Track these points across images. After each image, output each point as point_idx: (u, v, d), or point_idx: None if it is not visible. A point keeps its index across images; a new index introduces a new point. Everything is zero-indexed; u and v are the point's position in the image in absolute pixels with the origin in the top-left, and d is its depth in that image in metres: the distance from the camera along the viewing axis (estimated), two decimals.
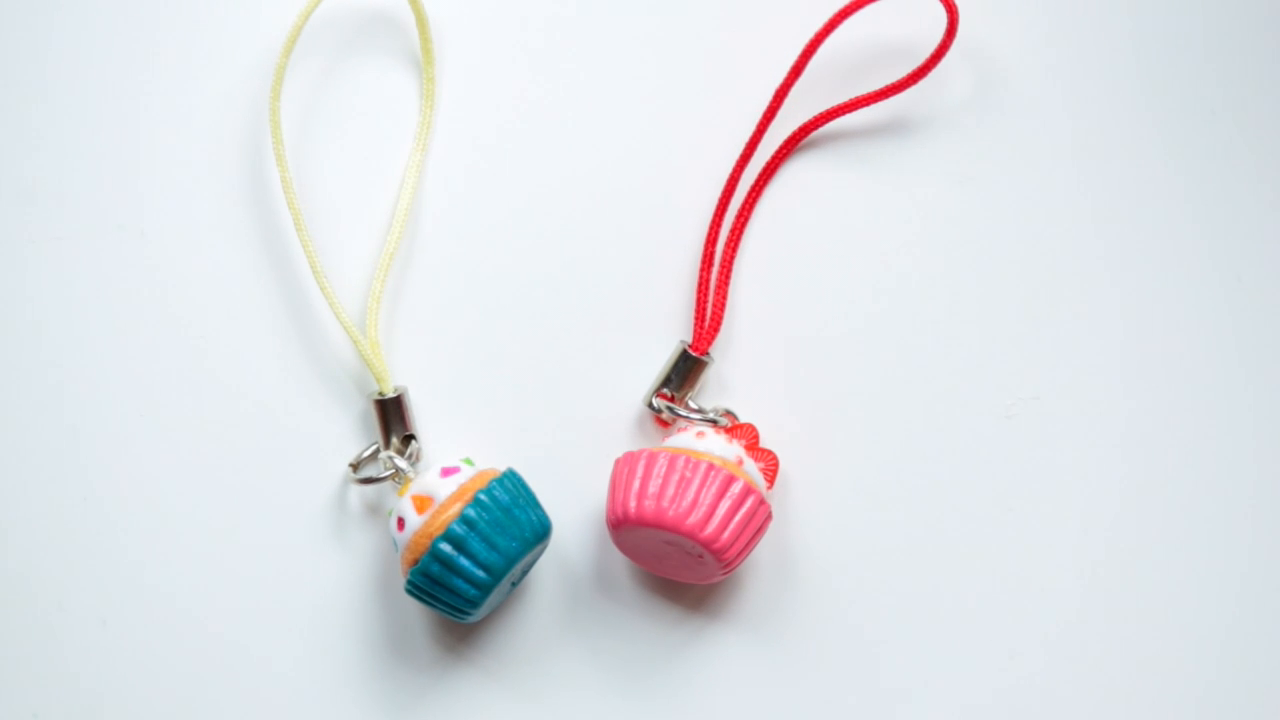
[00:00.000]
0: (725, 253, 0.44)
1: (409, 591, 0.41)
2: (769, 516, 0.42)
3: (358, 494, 0.44)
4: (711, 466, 0.41)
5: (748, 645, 0.43)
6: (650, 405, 0.43)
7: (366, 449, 0.43)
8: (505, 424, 0.44)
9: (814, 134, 0.44)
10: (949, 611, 0.43)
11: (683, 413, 0.43)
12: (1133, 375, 0.44)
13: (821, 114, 0.44)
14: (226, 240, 0.44)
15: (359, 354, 0.43)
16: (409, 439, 0.43)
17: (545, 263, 0.44)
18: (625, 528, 0.41)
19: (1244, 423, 0.44)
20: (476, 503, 0.40)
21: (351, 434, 0.44)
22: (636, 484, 0.41)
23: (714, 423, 0.43)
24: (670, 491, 0.40)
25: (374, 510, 0.44)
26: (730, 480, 0.41)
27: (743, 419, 0.43)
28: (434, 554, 0.40)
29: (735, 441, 0.42)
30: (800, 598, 0.43)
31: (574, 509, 0.44)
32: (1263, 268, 0.44)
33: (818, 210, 0.44)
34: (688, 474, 0.41)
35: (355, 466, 0.43)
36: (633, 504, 0.41)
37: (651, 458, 0.41)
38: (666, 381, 0.43)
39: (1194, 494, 0.43)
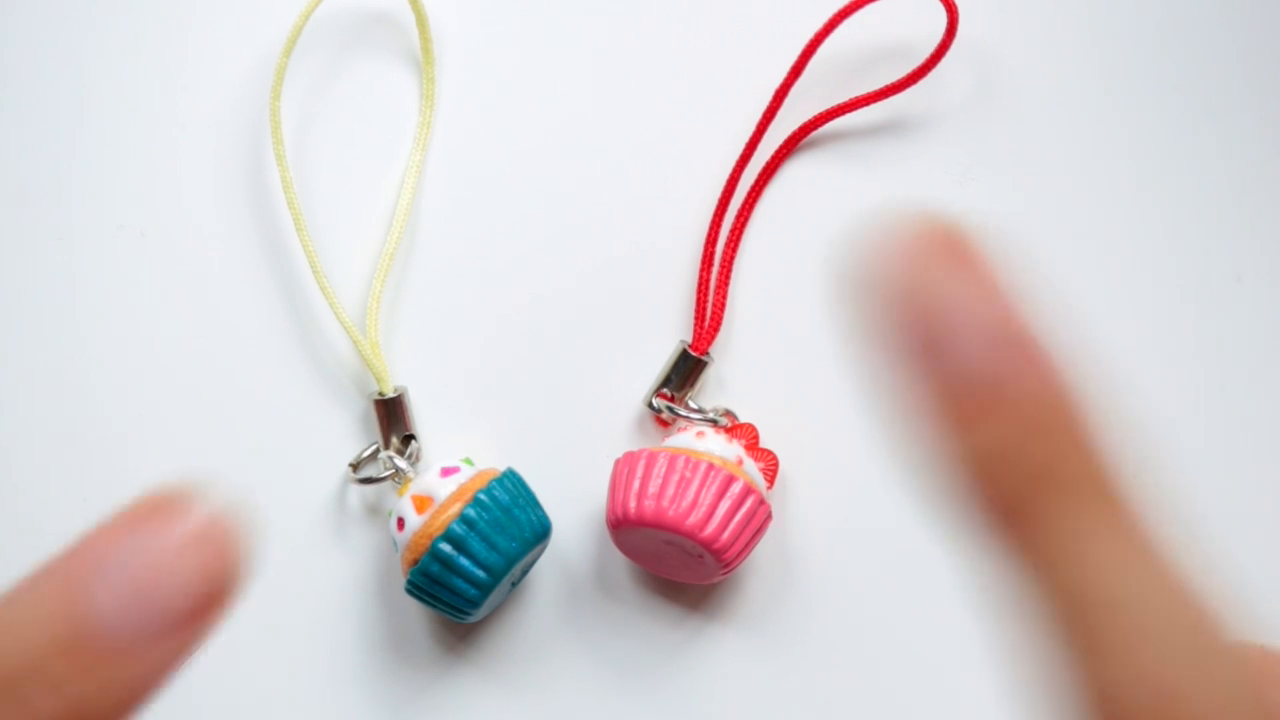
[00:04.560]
0: (725, 252, 0.44)
1: (409, 591, 0.41)
2: (769, 516, 0.42)
3: (358, 494, 0.44)
4: (711, 466, 0.41)
5: (747, 645, 0.43)
6: (650, 405, 0.43)
7: (366, 449, 0.43)
8: (505, 424, 0.44)
9: (814, 134, 0.44)
10: (948, 611, 0.43)
11: (682, 412, 0.43)
12: (1132, 377, 0.44)
13: (821, 114, 0.44)
14: (227, 240, 0.44)
15: (359, 354, 0.43)
16: (409, 439, 0.43)
17: (545, 262, 0.44)
18: (625, 527, 0.41)
19: (1244, 424, 0.44)
20: (476, 503, 0.40)
21: (351, 434, 0.44)
22: (636, 484, 0.41)
23: (714, 423, 0.43)
24: (670, 491, 0.40)
25: (374, 510, 0.44)
26: (730, 480, 0.41)
27: (742, 419, 0.43)
28: (434, 554, 0.40)
29: (735, 441, 0.42)
30: (800, 597, 0.43)
31: (574, 509, 0.44)
32: (1263, 268, 0.44)
33: (818, 210, 0.44)
34: (687, 474, 0.41)
35: (355, 466, 0.43)
36: (632, 504, 0.41)
37: (651, 458, 0.41)
38: (666, 381, 0.43)
39: (1193, 497, 0.43)
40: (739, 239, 0.44)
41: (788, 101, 0.44)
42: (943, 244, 0.39)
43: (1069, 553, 0.35)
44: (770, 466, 0.43)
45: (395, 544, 0.42)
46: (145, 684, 0.38)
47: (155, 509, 0.39)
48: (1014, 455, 0.36)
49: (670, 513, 0.40)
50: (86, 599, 0.37)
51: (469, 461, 0.42)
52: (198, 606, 0.38)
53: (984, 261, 0.39)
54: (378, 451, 0.43)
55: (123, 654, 0.37)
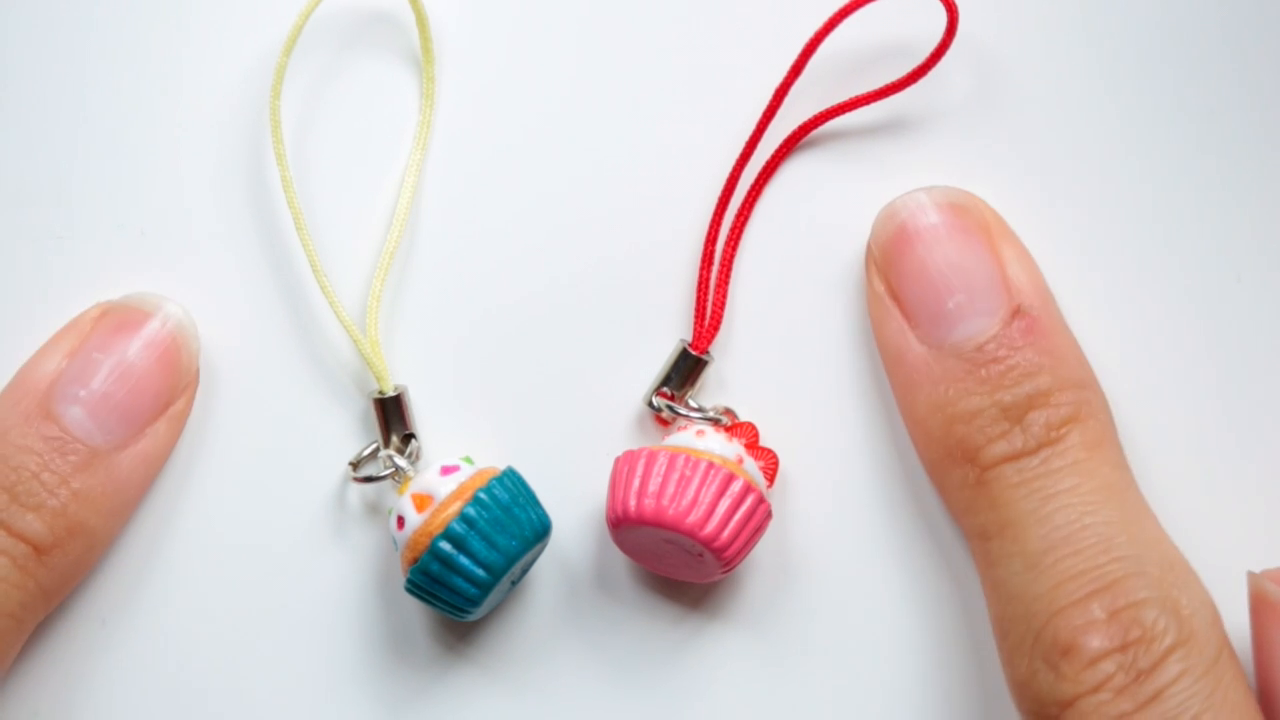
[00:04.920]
0: (725, 251, 0.44)
1: (409, 590, 0.41)
2: (769, 515, 0.42)
3: (357, 493, 0.44)
4: (711, 465, 0.41)
5: (747, 643, 0.43)
6: (650, 404, 0.43)
7: (366, 447, 0.43)
8: (505, 422, 0.44)
9: (814, 133, 0.44)
10: (949, 610, 0.43)
11: (682, 411, 0.43)
12: (1130, 376, 0.44)
13: (821, 113, 0.44)
14: (226, 239, 0.44)
15: (359, 353, 0.43)
16: (409, 438, 0.43)
17: (545, 261, 0.44)
18: (625, 526, 0.41)
19: (1244, 425, 0.44)
20: (476, 501, 0.40)
21: (351, 433, 0.44)
22: (636, 482, 0.41)
23: (714, 421, 0.43)
24: (670, 490, 0.40)
25: (374, 509, 0.44)
26: (730, 479, 0.41)
27: (742, 417, 0.43)
28: (434, 552, 0.40)
29: (735, 440, 0.42)
30: (800, 596, 0.43)
31: (574, 507, 0.44)
32: (1263, 268, 0.44)
33: (817, 208, 0.44)
34: (687, 472, 0.41)
35: (355, 465, 0.43)
36: (632, 502, 0.41)
37: (651, 456, 0.41)
38: (666, 380, 0.43)
39: (1192, 497, 0.43)
40: (739, 237, 0.44)
41: (788, 100, 0.44)
42: (978, 221, 0.41)
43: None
44: (770, 465, 0.43)
45: (395, 542, 0.41)
46: (130, 487, 0.40)
47: (112, 324, 0.40)
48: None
49: (670, 511, 0.40)
50: (60, 417, 0.39)
51: (469, 460, 0.42)
52: (161, 407, 0.40)
53: (1016, 241, 0.40)
54: (378, 450, 0.43)
55: (102, 457, 0.39)
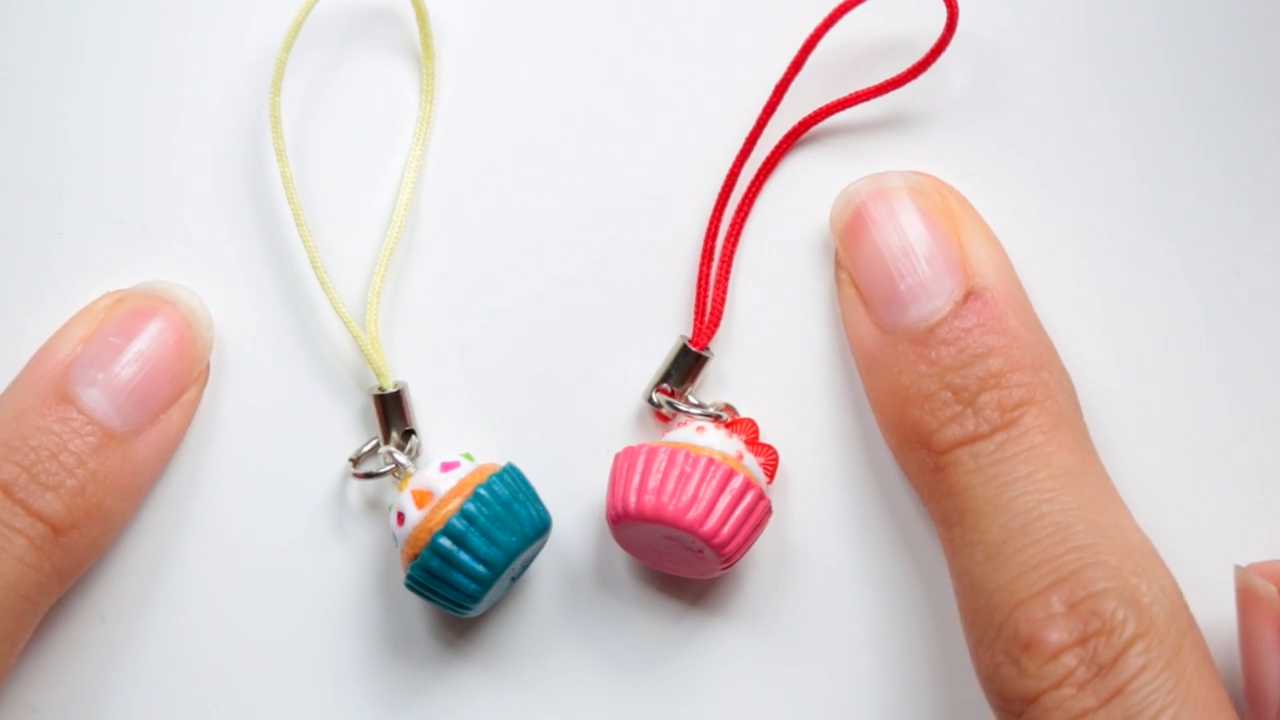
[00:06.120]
0: (725, 248, 0.44)
1: (409, 586, 0.41)
2: (769, 511, 0.42)
3: (357, 489, 0.44)
4: (711, 461, 0.41)
5: (747, 640, 0.43)
6: (650, 400, 0.43)
7: (366, 444, 0.43)
8: (505, 419, 0.44)
9: (814, 129, 0.44)
10: (949, 603, 0.43)
11: (683, 408, 0.43)
12: (1130, 372, 0.44)
13: (821, 109, 0.44)
14: (227, 236, 0.44)
15: (359, 349, 0.43)
16: (409, 434, 0.43)
17: (545, 258, 0.44)
18: (625, 522, 0.41)
19: (1244, 421, 0.44)
20: (476, 498, 0.40)
21: (351, 429, 0.44)
22: (636, 479, 0.41)
23: (714, 418, 0.43)
24: (670, 486, 0.40)
25: (374, 505, 0.44)
26: (730, 475, 0.41)
27: (742, 414, 0.43)
28: (434, 549, 0.40)
29: (735, 436, 0.42)
30: (800, 592, 0.43)
31: (574, 504, 0.44)
32: (1262, 263, 0.44)
33: (818, 205, 0.44)
34: (687, 469, 0.41)
35: (355, 461, 0.43)
36: (632, 499, 0.41)
37: (651, 453, 0.41)
38: (666, 376, 0.43)
39: (1191, 495, 0.43)
40: (739, 234, 0.44)
41: (787, 96, 0.44)
42: (938, 204, 0.41)
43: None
44: (770, 461, 0.43)
45: (395, 539, 0.42)
46: (144, 471, 0.41)
47: (128, 310, 0.41)
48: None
49: (670, 508, 0.40)
50: (77, 399, 0.39)
51: (469, 456, 0.42)
52: (175, 394, 0.41)
53: (981, 224, 0.40)
54: (377, 446, 0.43)
55: (119, 440, 0.39)
